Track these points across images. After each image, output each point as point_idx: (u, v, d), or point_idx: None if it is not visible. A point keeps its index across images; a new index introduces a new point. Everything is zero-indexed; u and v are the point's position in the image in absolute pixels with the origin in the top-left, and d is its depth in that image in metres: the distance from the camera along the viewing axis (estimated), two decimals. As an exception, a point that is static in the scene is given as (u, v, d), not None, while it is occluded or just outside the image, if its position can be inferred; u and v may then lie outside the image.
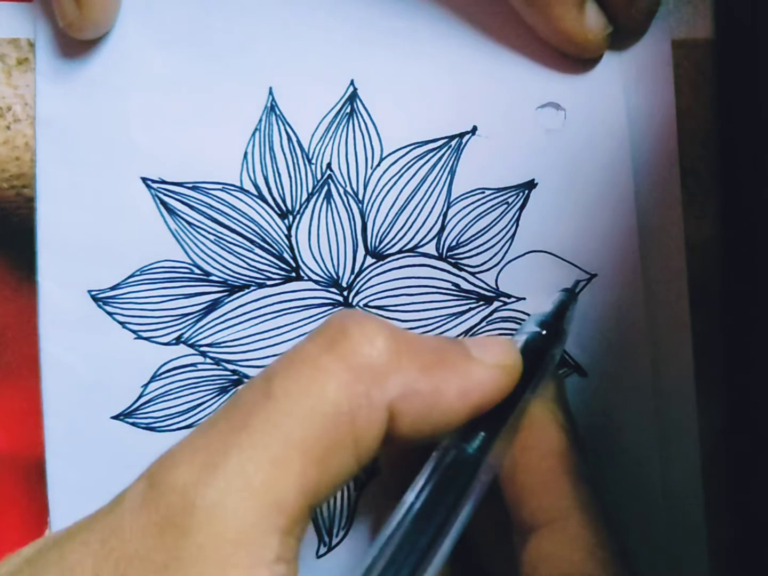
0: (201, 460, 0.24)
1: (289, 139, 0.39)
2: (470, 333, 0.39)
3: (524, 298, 0.39)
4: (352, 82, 0.39)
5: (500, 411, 0.28)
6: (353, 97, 0.39)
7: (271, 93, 0.39)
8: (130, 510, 0.24)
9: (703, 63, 0.40)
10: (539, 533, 0.29)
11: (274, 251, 0.39)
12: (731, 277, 0.40)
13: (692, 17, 0.40)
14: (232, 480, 0.23)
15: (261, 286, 0.39)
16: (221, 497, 0.23)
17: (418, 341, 0.27)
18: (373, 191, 0.39)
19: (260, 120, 0.39)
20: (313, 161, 0.39)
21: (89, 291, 0.39)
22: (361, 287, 0.39)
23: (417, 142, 0.39)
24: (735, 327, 0.40)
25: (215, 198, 0.39)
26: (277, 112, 0.39)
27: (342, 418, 0.24)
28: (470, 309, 0.39)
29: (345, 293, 0.39)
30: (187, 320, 0.39)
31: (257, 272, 0.39)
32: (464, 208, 0.39)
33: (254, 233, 0.39)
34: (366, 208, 0.39)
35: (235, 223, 0.39)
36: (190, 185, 0.39)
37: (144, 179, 0.39)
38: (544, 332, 0.32)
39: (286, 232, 0.39)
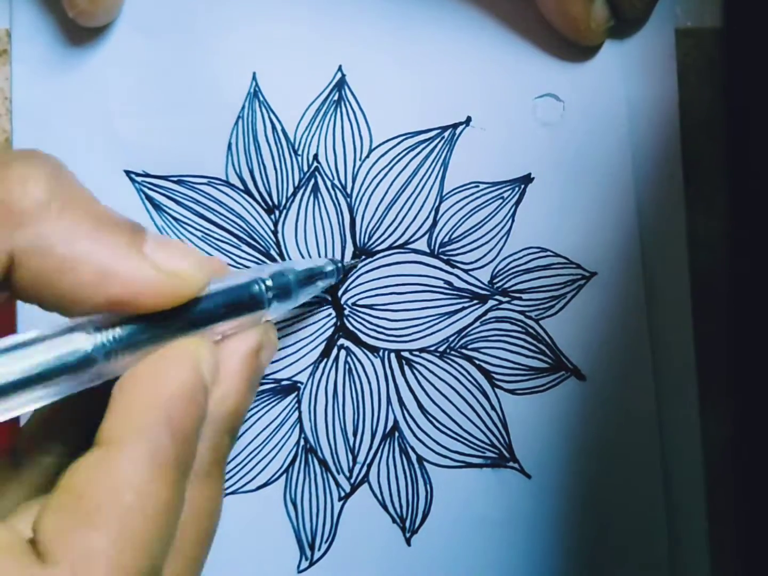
0: None
1: (274, 128, 0.38)
2: (463, 333, 0.37)
3: (520, 297, 0.37)
4: (340, 68, 0.38)
5: (157, 319, 0.24)
6: (341, 83, 0.38)
7: (254, 78, 0.38)
8: None
9: (710, 52, 0.38)
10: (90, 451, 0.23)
11: (260, 248, 0.38)
12: (738, 273, 0.37)
13: (700, 6, 0.38)
14: None
15: (247, 283, 0.38)
16: None
17: (91, 207, 0.24)
18: (362, 184, 0.38)
19: (243, 107, 0.38)
20: (299, 152, 0.38)
21: (73, 288, 0.38)
22: (349, 285, 0.38)
23: (408, 133, 0.38)
24: (742, 326, 0.38)
25: (201, 193, 0.38)
26: (261, 99, 0.38)
27: None
28: (463, 308, 0.38)
29: (333, 291, 0.38)
30: (172, 318, 0.38)
31: (244, 269, 0.38)
32: (457, 202, 0.38)
33: (241, 229, 0.38)
34: (354, 203, 0.38)
35: (221, 219, 0.38)
36: (176, 179, 0.38)
37: (128, 172, 0.38)
38: (269, 283, 0.29)
39: (272, 228, 0.38)
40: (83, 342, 0.23)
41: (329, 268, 0.35)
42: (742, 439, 0.38)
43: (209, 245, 0.38)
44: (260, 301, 0.28)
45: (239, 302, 0.27)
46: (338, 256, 0.38)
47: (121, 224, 0.24)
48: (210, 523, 0.26)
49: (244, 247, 0.38)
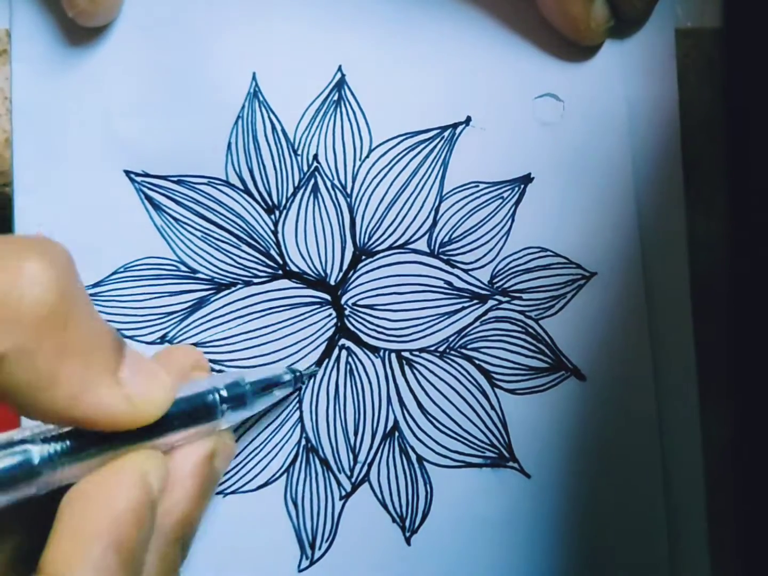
0: None
1: (273, 128, 0.38)
2: (464, 333, 0.37)
3: (520, 297, 0.37)
4: (339, 68, 0.38)
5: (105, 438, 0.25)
6: (341, 83, 0.38)
7: (254, 78, 0.38)
8: None
9: (710, 52, 0.38)
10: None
11: (261, 248, 0.38)
12: (738, 273, 0.37)
13: (700, 6, 0.38)
14: None
15: (247, 284, 0.38)
16: None
17: (83, 324, 0.24)
18: (362, 184, 0.38)
19: (243, 107, 0.38)
20: (299, 152, 0.38)
21: (73, 288, 0.38)
22: (349, 285, 0.38)
23: (408, 133, 0.38)
24: (742, 326, 0.38)
25: (201, 193, 0.38)
26: (261, 99, 0.38)
27: None
28: (463, 308, 0.38)
29: (333, 291, 0.38)
30: (172, 319, 0.38)
31: (244, 269, 0.38)
32: (457, 202, 0.37)
33: (241, 229, 0.38)
34: (354, 203, 0.38)
35: (221, 219, 0.38)
36: (175, 179, 0.38)
37: (127, 172, 0.38)
38: (224, 394, 0.30)
39: (272, 228, 0.38)
40: (30, 453, 0.23)
41: (286, 377, 0.36)
42: (743, 440, 0.38)
43: (209, 245, 0.38)
44: (214, 412, 0.29)
45: (194, 412, 0.28)
46: (338, 256, 0.38)
47: (104, 346, 0.25)
48: None
49: (244, 247, 0.38)
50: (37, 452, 0.24)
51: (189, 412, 0.28)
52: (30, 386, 0.23)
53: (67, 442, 0.24)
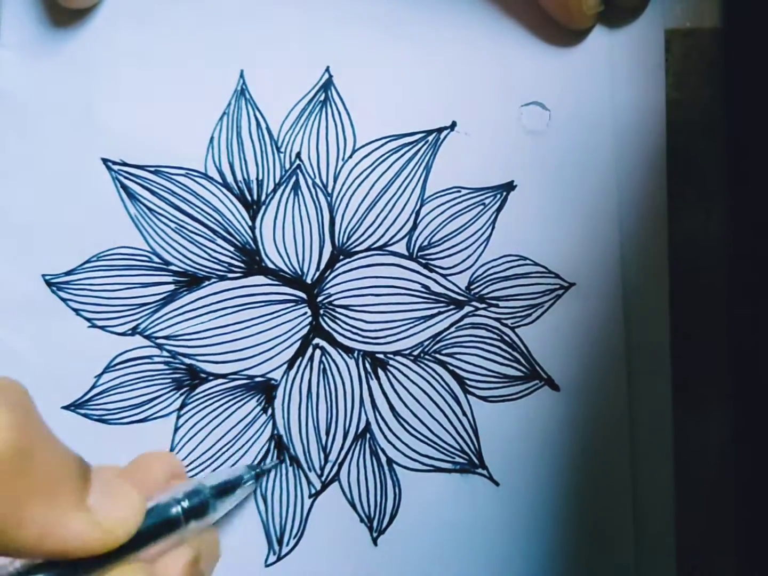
0: None
1: (258, 125, 0.37)
2: (439, 338, 0.37)
3: (497, 305, 0.37)
4: (327, 69, 0.37)
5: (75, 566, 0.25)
6: (328, 84, 0.37)
7: (242, 76, 0.37)
8: None
9: (711, 52, 0.38)
10: None
11: (236, 243, 0.37)
12: (738, 274, 0.37)
13: (699, 6, 0.38)
14: None
15: (222, 278, 0.37)
16: None
17: (46, 459, 0.24)
18: (344, 184, 0.37)
19: (229, 104, 0.37)
20: (282, 150, 0.37)
21: (43, 275, 0.37)
22: (326, 284, 0.37)
23: (392, 135, 0.37)
24: (742, 327, 0.38)
25: (178, 184, 0.37)
26: (247, 96, 0.37)
27: None
28: (440, 312, 0.37)
29: (309, 290, 0.37)
30: (144, 310, 0.37)
31: (218, 263, 0.37)
32: (438, 206, 0.37)
33: (217, 223, 0.37)
34: (335, 202, 0.37)
35: (197, 211, 0.37)
36: (152, 169, 0.37)
37: (105, 160, 0.37)
38: (185, 505, 0.30)
39: (250, 223, 0.37)
40: None
41: (246, 476, 0.35)
42: (744, 443, 0.38)
43: (183, 237, 0.37)
44: (177, 523, 0.29)
45: (158, 527, 0.28)
46: (316, 255, 0.37)
47: (69, 476, 0.25)
48: None
49: (220, 241, 0.37)
50: None
51: (153, 529, 0.28)
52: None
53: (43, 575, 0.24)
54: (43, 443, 0.24)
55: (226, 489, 0.33)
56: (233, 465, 0.37)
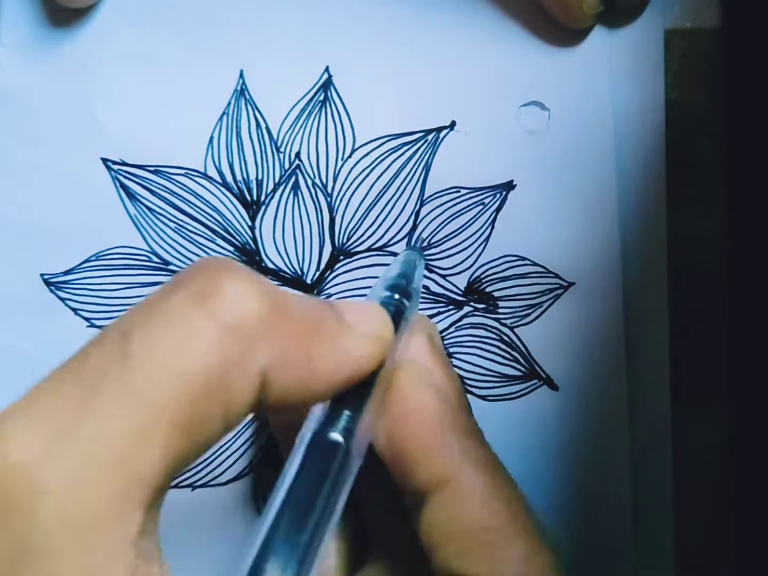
0: (45, 429, 0.20)
1: (258, 125, 0.37)
2: (438, 338, 0.37)
3: (497, 305, 0.37)
4: (327, 69, 0.37)
5: (364, 385, 0.26)
6: (327, 84, 0.37)
7: (241, 76, 0.37)
8: None
9: (709, 53, 0.38)
10: (432, 500, 0.27)
11: (236, 243, 0.37)
12: (738, 274, 0.37)
13: (698, 6, 0.38)
14: (86, 454, 0.19)
15: (222, 278, 0.37)
16: (72, 475, 0.19)
17: (294, 303, 0.24)
18: (343, 184, 0.37)
19: (229, 104, 0.37)
20: (282, 150, 0.37)
21: (42, 274, 0.37)
22: (326, 284, 0.38)
23: (391, 135, 0.37)
24: (742, 327, 0.38)
25: (178, 184, 0.37)
26: (247, 97, 0.37)
27: (213, 384, 0.21)
28: (439, 313, 0.38)
29: (309, 290, 0.37)
30: (144, 310, 0.37)
31: (218, 263, 0.37)
32: (438, 207, 0.37)
33: (217, 223, 0.37)
34: (335, 202, 0.37)
35: (197, 211, 0.37)
36: (152, 169, 0.37)
37: (104, 160, 0.37)
38: (396, 296, 0.30)
39: (249, 224, 0.37)
40: (336, 437, 0.24)
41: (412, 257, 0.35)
42: (743, 443, 0.38)
43: (182, 237, 0.37)
44: (402, 312, 0.29)
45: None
46: (316, 255, 0.37)
47: (323, 307, 0.25)
48: None
49: (219, 241, 0.37)
50: (337, 435, 0.24)
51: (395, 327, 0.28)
52: (298, 384, 0.23)
53: (346, 413, 0.25)
54: (283, 293, 0.24)
55: (407, 271, 0.33)
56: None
